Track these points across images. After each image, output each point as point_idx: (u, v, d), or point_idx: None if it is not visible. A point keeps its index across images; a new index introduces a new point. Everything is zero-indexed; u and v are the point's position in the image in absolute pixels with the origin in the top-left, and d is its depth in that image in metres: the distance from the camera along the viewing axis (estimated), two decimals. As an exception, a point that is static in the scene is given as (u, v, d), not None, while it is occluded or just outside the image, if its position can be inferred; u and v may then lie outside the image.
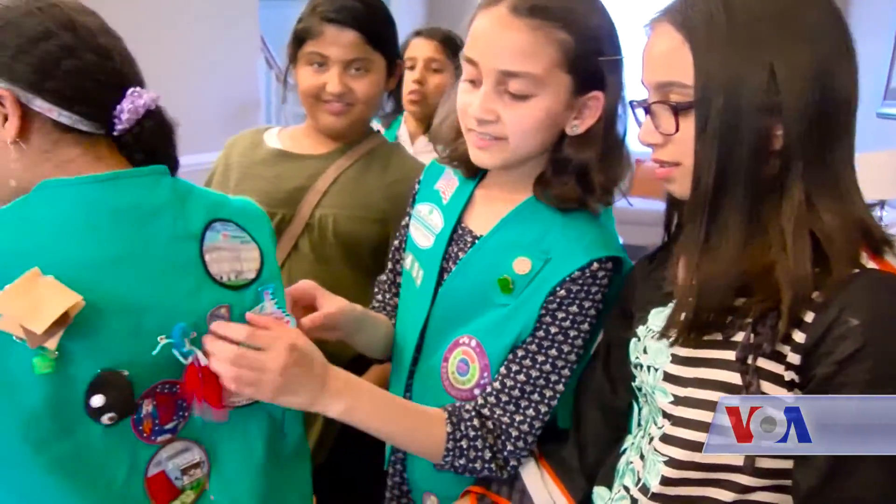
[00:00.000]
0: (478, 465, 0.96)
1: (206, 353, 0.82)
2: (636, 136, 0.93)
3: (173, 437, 0.84)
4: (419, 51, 2.03)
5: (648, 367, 0.86)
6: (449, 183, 1.11)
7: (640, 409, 0.92)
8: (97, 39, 0.80)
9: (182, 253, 0.83)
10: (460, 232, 1.06)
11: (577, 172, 0.97)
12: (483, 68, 0.93)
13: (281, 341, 0.84)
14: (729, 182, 0.75)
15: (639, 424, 0.92)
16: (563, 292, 0.94)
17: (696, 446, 0.78)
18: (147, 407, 0.81)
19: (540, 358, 0.96)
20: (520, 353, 0.96)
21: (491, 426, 0.96)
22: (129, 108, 0.80)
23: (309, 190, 1.31)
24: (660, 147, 0.82)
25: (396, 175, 1.34)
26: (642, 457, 0.86)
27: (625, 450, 0.93)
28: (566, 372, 0.97)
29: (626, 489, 0.88)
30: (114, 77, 0.81)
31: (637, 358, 0.89)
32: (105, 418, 0.76)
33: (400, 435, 0.97)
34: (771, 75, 0.73)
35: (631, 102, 0.90)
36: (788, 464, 0.75)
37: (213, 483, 0.87)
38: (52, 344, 0.71)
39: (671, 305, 0.84)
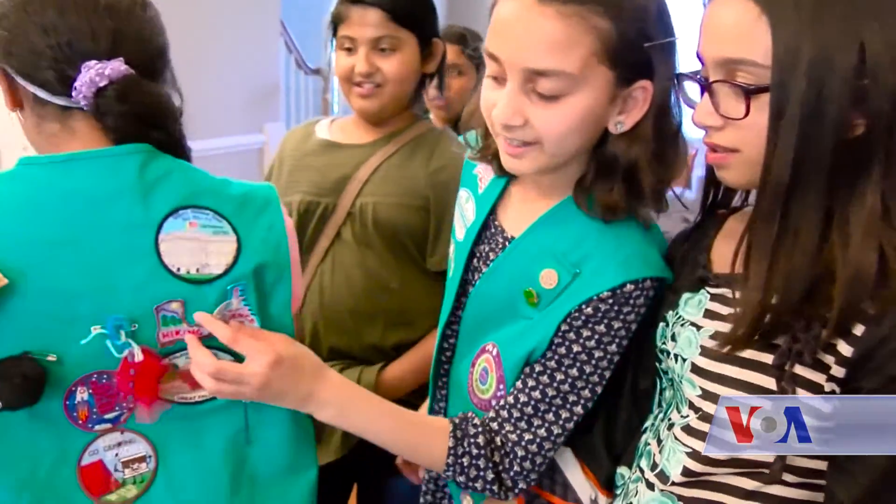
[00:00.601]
0: (478, 485, 0.89)
1: (191, 357, 0.80)
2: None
3: (114, 428, 0.80)
4: None
5: (676, 356, 0.81)
6: (487, 168, 1.00)
7: (662, 389, 0.88)
8: (48, 14, 0.77)
9: (136, 241, 0.78)
10: (493, 229, 0.97)
11: (623, 173, 0.85)
12: (507, 65, 0.80)
13: (264, 355, 0.79)
14: (807, 177, 0.67)
15: (659, 405, 0.88)
16: (590, 310, 0.84)
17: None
18: (82, 394, 0.78)
19: (559, 376, 0.87)
20: (537, 367, 0.88)
21: (498, 443, 0.89)
22: (80, 81, 0.76)
23: (352, 179, 1.31)
24: (716, 130, 0.73)
25: (440, 162, 1.30)
26: (659, 441, 0.83)
27: (645, 429, 0.90)
28: (586, 394, 0.87)
29: (641, 471, 0.85)
30: (62, 52, 0.77)
31: (664, 344, 0.83)
32: None
33: (399, 446, 0.93)
34: (861, 56, 0.65)
35: (679, 75, 0.80)
36: (821, 464, 0.73)
37: (160, 482, 0.83)
38: None
39: (703, 292, 0.80)
